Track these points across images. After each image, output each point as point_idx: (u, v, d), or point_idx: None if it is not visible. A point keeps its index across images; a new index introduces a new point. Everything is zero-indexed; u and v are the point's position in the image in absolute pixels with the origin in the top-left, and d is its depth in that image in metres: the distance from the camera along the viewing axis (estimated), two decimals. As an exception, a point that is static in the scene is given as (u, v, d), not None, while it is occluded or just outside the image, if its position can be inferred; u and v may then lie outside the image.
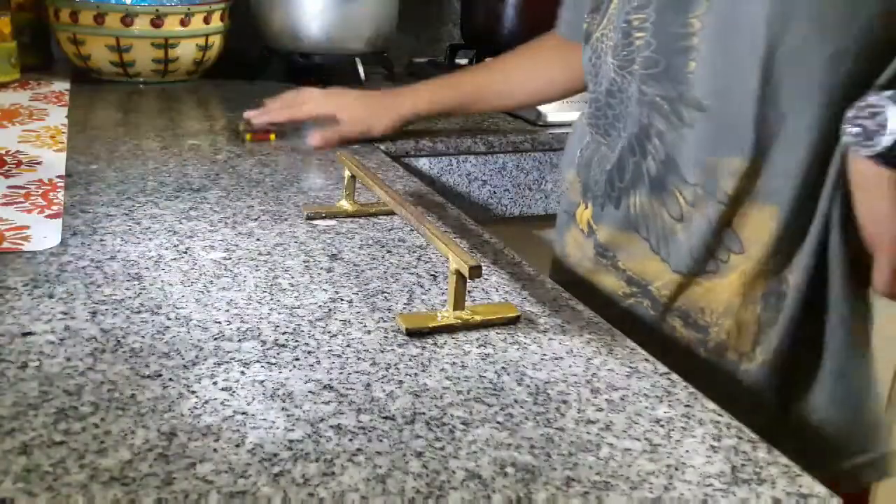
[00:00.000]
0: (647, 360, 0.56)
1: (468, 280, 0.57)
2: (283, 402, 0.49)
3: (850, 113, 0.64)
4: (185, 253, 0.69)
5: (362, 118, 1.06)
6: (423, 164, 1.14)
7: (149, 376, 0.51)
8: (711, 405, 0.51)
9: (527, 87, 1.06)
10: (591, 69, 0.85)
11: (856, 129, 0.63)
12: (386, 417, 0.48)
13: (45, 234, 0.71)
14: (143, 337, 0.55)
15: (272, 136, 1.05)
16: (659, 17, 0.75)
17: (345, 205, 0.81)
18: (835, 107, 0.67)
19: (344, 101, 1.07)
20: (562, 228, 0.91)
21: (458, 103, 1.07)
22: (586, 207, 0.85)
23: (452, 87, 1.07)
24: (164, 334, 0.56)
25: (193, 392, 0.49)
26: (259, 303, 0.61)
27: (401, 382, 0.51)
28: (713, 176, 0.72)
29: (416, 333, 0.58)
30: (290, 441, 0.45)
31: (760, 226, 0.72)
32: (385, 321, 0.59)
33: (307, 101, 1.07)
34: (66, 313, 0.58)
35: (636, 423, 0.49)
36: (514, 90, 1.07)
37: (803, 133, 0.69)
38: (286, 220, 0.78)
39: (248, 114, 1.08)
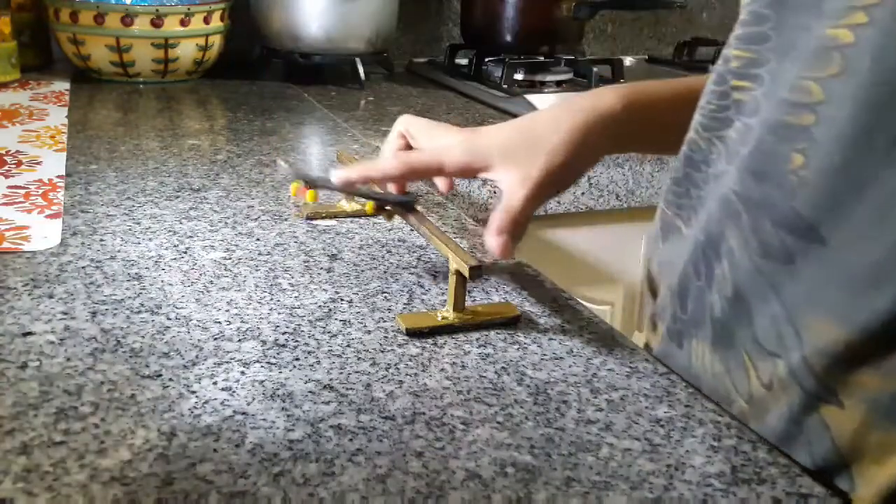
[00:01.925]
0: (647, 360, 0.56)
1: (468, 280, 0.57)
2: (283, 402, 0.49)
3: None
4: (185, 253, 0.69)
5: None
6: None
7: (149, 376, 0.51)
8: (711, 405, 0.51)
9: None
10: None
11: None
12: (386, 417, 0.48)
13: (45, 234, 0.71)
14: (143, 337, 0.55)
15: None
16: (778, 63, 0.46)
17: (345, 205, 0.81)
18: None
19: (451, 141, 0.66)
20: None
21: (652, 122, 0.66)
22: (650, 328, 0.58)
23: (648, 94, 0.65)
24: (164, 334, 0.56)
25: (193, 392, 0.49)
26: (259, 303, 0.61)
27: (401, 382, 0.51)
28: (810, 351, 0.45)
29: (416, 333, 0.58)
30: (290, 441, 0.45)
31: (884, 463, 0.43)
32: (385, 321, 0.59)
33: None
34: (66, 313, 0.58)
35: (636, 423, 0.49)
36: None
37: None
38: (286, 220, 0.78)
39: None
